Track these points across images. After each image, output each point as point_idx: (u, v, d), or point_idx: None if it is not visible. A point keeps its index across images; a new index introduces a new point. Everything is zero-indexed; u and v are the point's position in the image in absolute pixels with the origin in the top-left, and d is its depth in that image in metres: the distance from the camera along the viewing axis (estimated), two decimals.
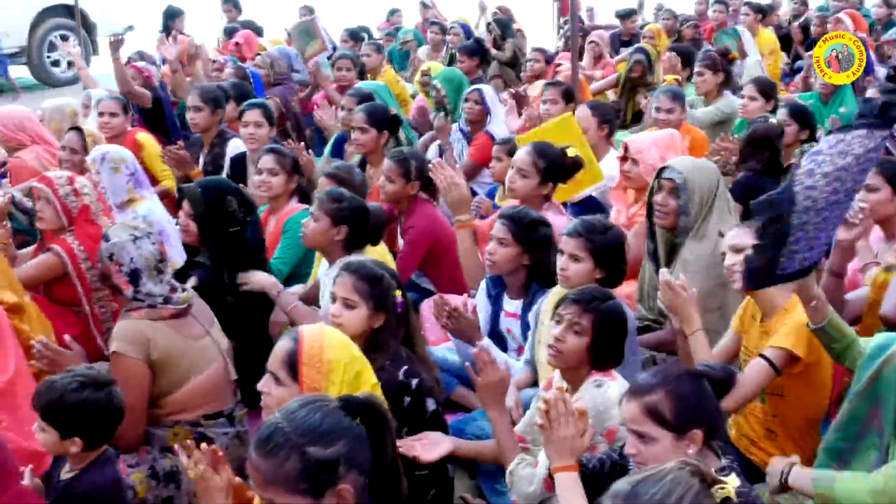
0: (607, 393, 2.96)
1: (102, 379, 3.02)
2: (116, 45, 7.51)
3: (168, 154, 6.09)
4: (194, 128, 6.52)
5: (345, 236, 4.14)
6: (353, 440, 2.09)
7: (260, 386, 2.70)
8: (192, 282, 4.07)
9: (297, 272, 4.92)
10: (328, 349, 2.65)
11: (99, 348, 4.29)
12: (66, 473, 3.02)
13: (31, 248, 4.84)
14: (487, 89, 7.03)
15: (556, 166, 4.70)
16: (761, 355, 3.18)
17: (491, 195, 5.83)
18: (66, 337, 3.56)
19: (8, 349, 3.33)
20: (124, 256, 3.54)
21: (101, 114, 6.39)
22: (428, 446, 3.07)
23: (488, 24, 11.16)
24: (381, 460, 2.17)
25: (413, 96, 8.77)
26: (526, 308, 3.95)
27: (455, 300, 3.89)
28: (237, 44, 9.97)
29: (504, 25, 10.56)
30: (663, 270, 3.51)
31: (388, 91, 7.46)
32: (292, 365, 2.62)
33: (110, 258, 3.55)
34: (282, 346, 2.68)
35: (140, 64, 7.87)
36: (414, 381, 3.13)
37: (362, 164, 5.85)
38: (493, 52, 9.88)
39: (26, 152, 6.12)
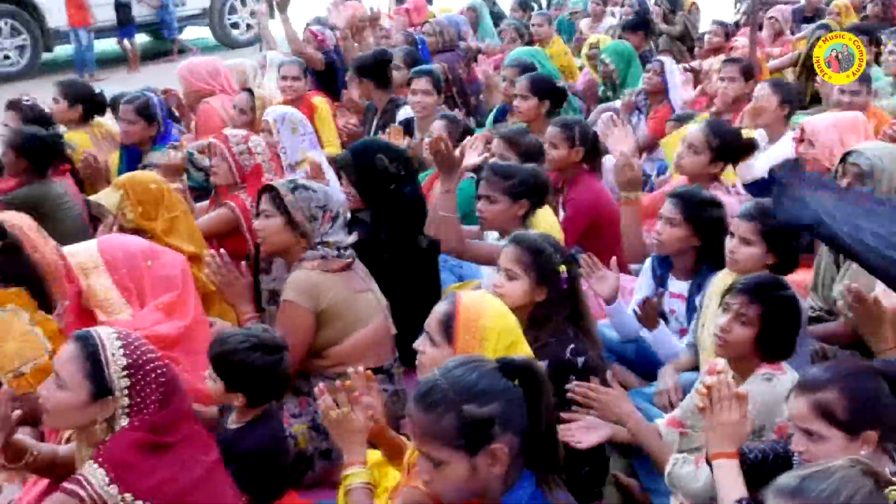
0: (777, 388, 2.85)
1: (276, 343, 3.13)
2: (283, 5, 7.77)
3: (345, 128, 6.29)
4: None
5: (526, 209, 4.11)
6: (508, 401, 2.10)
7: (416, 344, 2.75)
8: (352, 238, 4.16)
9: None
10: (485, 316, 2.67)
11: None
12: (231, 423, 3.17)
13: (205, 203, 5.08)
14: (669, 61, 6.91)
15: (729, 145, 4.55)
16: None
17: (662, 172, 5.70)
18: (242, 264, 3.74)
19: (189, 295, 3.52)
20: (321, 200, 3.66)
21: (283, 77, 6.62)
22: (585, 430, 3.04)
23: None
24: (537, 424, 2.16)
25: (580, 68, 8.66)
26: (693, 290, 3.85)
27: (610, 276, 3.83)
28: (407, 10, 10.09)
29: None
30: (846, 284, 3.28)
31: (545, 56, 7.38)
32: (448, 327, 2.67)
33: (322, 209, 3.67)
34: (440, 307, 2.73)
35: (315, 28, 8.08)
36: (580, 360, 3.10)
37: None
38: (663, 26, 9.63)
39: (215, 99, 6.44)
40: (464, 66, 8.20)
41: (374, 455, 3.03)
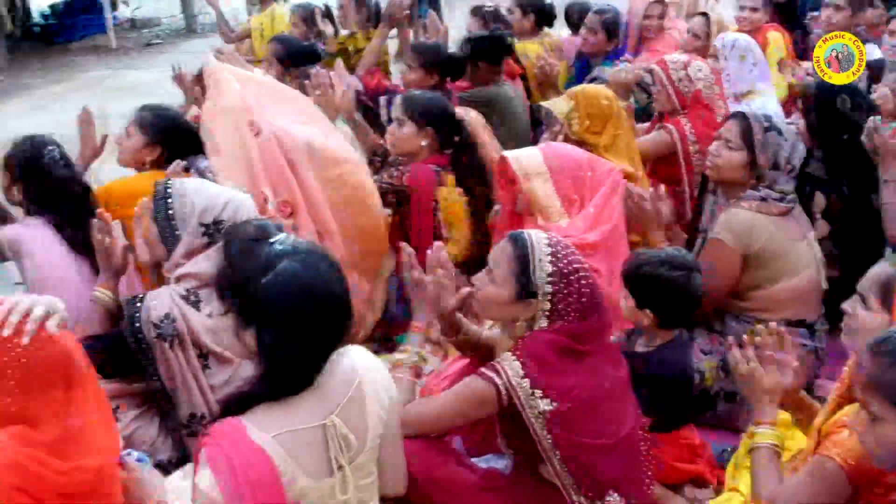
0: None
1: (686, 263, 3.10)
2: None
3: None
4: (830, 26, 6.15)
5: None
6: None
7: (845, 304, 2.58)
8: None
9: None
10: None
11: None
12: (639, 346, 3.19)
13: (646, 124, 5.06)
14: None
15: None
16: None
17: None
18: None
19: (616, 208, 3.55)
20: (787, 150, 3.58)
21: (741, 7, 6.37)
22: None
23: None
24: None
25: None
26: None
27: None
28: None
29: None
30: None
31: None
32: (887, 292, 2.46)
33: (787, 161, 3.60)
34: (880, 270, 2.54)
35: None
36: None
37: None
38: None
39: (674, 30, 6.40)
40: None
41: (782, 415, 2.88)
